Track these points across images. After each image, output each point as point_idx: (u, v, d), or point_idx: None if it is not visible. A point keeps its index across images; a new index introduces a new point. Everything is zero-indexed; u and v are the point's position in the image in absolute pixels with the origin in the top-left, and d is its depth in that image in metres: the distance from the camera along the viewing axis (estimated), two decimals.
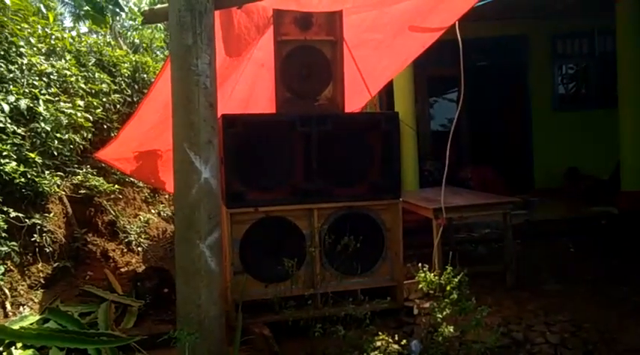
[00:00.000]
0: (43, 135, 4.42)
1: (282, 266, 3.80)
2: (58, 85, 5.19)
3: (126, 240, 5.61)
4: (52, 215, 4.61)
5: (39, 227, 4.33)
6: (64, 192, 5.00)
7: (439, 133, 12.98)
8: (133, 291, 4.32)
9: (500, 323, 3.81)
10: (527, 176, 9.55)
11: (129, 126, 4.57)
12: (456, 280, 3.42)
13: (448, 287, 3.41)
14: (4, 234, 3.93)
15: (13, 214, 3.98)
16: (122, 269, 5.24)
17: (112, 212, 5.61)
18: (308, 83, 4.06)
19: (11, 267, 4.11)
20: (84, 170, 5.36)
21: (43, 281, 4.29)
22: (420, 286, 3.56)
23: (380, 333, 3.60)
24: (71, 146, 4.97)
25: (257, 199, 3.89)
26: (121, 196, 6.05)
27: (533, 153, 9.64)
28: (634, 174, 6.63)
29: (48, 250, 4.46)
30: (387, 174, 4.14)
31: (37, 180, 4.23)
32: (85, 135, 5.22)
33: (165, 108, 4.47)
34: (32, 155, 4.20)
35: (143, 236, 5.93)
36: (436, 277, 3.52)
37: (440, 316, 3.22)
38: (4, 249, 3.93)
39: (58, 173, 4.94)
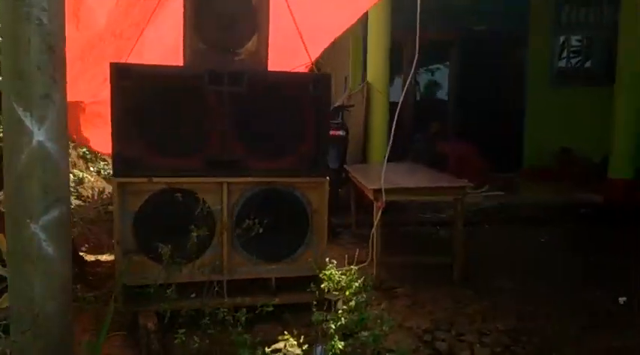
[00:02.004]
0: None
1: (185, 248, 3.27)
2: None
3: None
4: None
5: None
6: None
7: (428, 102, 12.25)
8: None
9: (428, 329, 3.27)
10: (516, 154, 8.90)
11: None
12: (357, 283, 2.83)
13: (347, 292, 2.84)
14: None
15: None
16: None
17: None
18: (227, 33, 3.39)
19: None
20: None
21: None
22: (323, 286, 2.97)
23: (286, 332, 3.09)
24: None
25: (153, 168, 3.31)
26: None
27: (524, 130, 8.96)
28: (622, 160, 5.98)
29: None
30: (313, 146, 3.53)
31: None
32: None
33: (86, 46, 3.89)
34: None
35: (73, 195, 5.40)
36: (342, 276, 2.94)
37: (332, 327, 2.66)
38: None
39: None
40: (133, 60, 3.83)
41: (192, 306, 3.32)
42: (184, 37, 3.31)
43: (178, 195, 3.36)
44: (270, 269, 3.59)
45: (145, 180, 3.25)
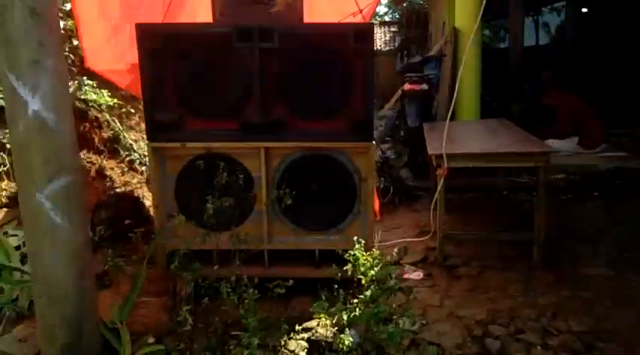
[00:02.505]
0: None
1: (226, 214, 3.15)
2: None
3: (128, 159, 5.26)
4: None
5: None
6: None
7: (537, 50, 10.83)
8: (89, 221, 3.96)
9: (482, 320, 2.83)
10: None
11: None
12: (375, 269, 2.45)
13: (364, 280, 2.47)
14: None
15: None
16: (118, 190, 4.94)
17: (114, 128, 5.26)
18: None
19: None
20: (75, 83, 4.97)
21: (6, 200, 4.09)
22: (346, 268, 2.62)
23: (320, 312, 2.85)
24: None
25: (187, 132, 3.16)
26: (133, 111, 5.68)
27: None
28: None
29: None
30: (359, 107, 3.13)
31: None
32: None
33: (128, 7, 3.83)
34: None
35: None
36: (370, 258, 2.57)
37: (344, 318, 2.34)
38: None
39: None
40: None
41: (231, 274, 3.22)
42: None
43: (217, 160, 3.21)
44: (314, 239, 3.34)
45: (178, 145, 3.12)
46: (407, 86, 5.69)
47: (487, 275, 3.41)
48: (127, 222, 4.04)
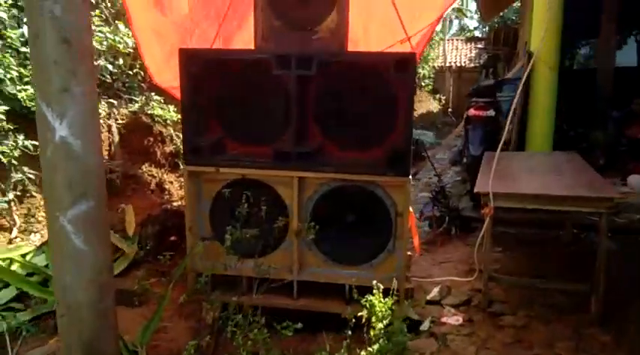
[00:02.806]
0: None
1: (258, 241, 3.12)
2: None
3: None
4: None
5: None
6: (114, 120, 4.92)
7: (635, 72, 9.94)
8: (137, 236, 4.09)
9: None
10: None
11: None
12: (385, 322, 2.26)
13: (372, 332, 2.28)
14: (14, 162, 3.96)
15: (23, 142, 3.95)
16: (168, 206, 5.09)
17: (177, 142, 5.44)
18: (303, 8, 3.01)
19: (33, 192, 4.21)
20: (143, 98, 5.20)
21: None
22: (360, 314, 2.45)
23: None
24: (111, 71, 4.77)
25: (222, 157, 3.17)
26: None
27: None
28: None
29: None
30: (395, 141, 2.98)
31: None
32: (124, 61, 4.96)
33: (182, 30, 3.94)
34: None
35: None
36: (387, 305, 2.39)
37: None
38: (17, 176, 3.99)
39: (109, 100, 4.85)
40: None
41: (258, 303, 3.17)
42: (255, 13, 3.03)
43: (252, 186, 3.19)
44: (345, 273, 3.21)
45: (212, 169, 3.13)
46: (471, 111, 5.40)
47: (534, 328, 3.10)
48: (172, 238, 4.14)
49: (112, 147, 4.85)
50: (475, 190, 3.19)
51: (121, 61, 4.84)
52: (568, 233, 4.50)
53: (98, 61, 4.46)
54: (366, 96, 3.02)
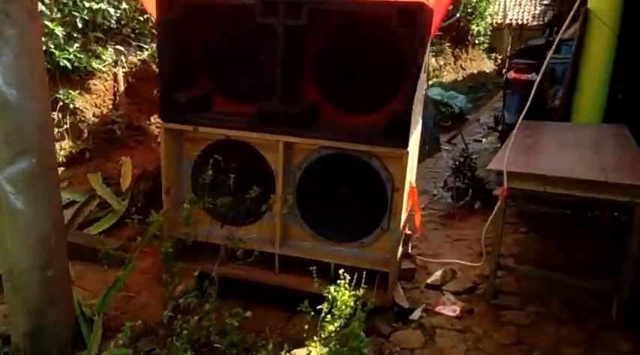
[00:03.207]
0: (70, 3, 4.01)
1: (242, 207, 2.86)
2: None
3: None
4: (91, 92, 4.37)
5: (62, 103, 4.12)
6: (121, 68, 4.69)
7: None
8: (129, 191, 3.91)
9: None
10: None
11: None
12: (347, 294, 1.92)
13: (322, 334, 1.96)
14: None
15: None
16: None
17: None
18: None
19: None
20: (154, 45, 4.92)
21: (64, 160, 4.19)
22: (321, 307, 2.13)
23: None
24: (118, 16, 4.49)
25: (202, 115, 2.86)
26: None
27: None
28: None
29: (81, 128, 4.30)
30: (392, 107, 2.58)
31: (57, 53, 3.92)
32: (129, 5, 4.64)
33: None
34: (51, 25, 3.86)
35: None
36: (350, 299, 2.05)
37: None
38: None
39: (116, 47, 4.60)
40: None
41: (234, 274, 2.94)
42: None
43: (237, 149, 2.89)
44: (333, 251, 2.90)
45: (190, 128, 2.83)
46: (511, 74, 4.81)
47: (541, 328, 2.71)
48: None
49: (117, 97, 4.64)
50: (488, 167, 2.76)
51: (125, 6, 4.54)
52: (606, 215, 3.97)
53: (100, 4, 4.19)
54: (367, 52, 2.62)
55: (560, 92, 4.85)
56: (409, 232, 3.16)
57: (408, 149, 2.55)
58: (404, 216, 2.82)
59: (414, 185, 3.01)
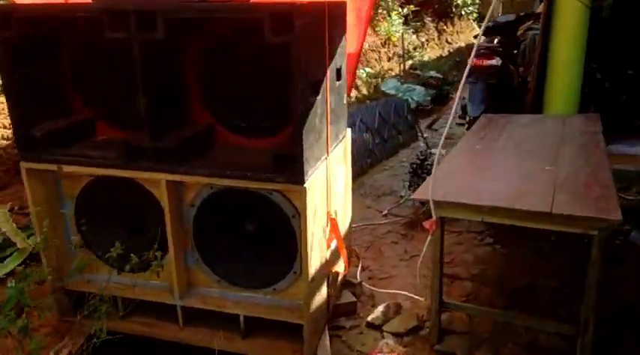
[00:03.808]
0: None
1: (136, 251, 2.43)
2: None
3: None
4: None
5: None
6: None
7: None
8: None
9: None
10: None
11: None
12: None
13: None
14: None
15: None
16: None
17: None
18: None
19: None
20: None
21: None
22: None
23: None
24: None
25: (65, 151, 2.39)
26: None
27: None
28: None
29: None
30: (281, 137, 2.11)
31: None
32: None
33: None
34: None
35: None
36: None
37: None
38: None
39: None
40: None
41: (132, 330, 2.52)
42: None
43: (121, 186, 2.42)
44: (243, 298, 2.45)
45: (54, 167, 2.36)
46: (472, 60, 4.27)
47: None
48: None
49: None
50: (412, 196, 2.27)
51: None
52: None
53: None
54: (252, 65, 2.14)
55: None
56: (339, 270, 2.69)
57: (305, 185, 2.07)
58: (321, 255, 2.36)
59: (335, 216, 2.53)
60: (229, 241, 2.43)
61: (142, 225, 2.50)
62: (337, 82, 2.49)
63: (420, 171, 3.94)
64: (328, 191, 2.42)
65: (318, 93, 2.14)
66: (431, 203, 2.17)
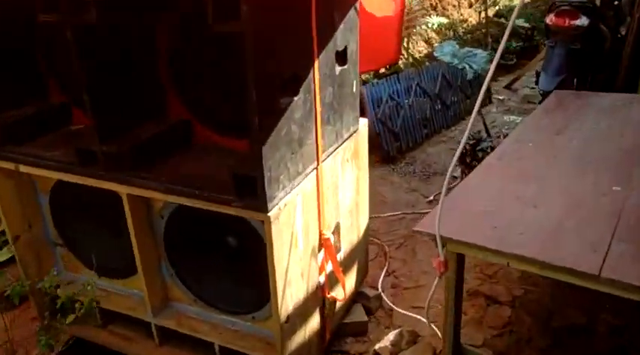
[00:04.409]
0: None
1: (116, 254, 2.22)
2: None
3: None
4: None
5: None
6: None
7: None
8: None
9: None
10: None
11: None
12: None
13: None
14: None
15: None
16: None
17: None
18: None
19: None
20: None
21: None
22: None
23: None
24: None
25: (22, 150, 2.10)
26: None
27: None
28: None
29: None
30: (239, 155, 1.67)
31: None
32: None
33: None
34: None
35: None
36: None
37: None
38: None
39: None
40: None
41: (110, 344, 2.30)
42: None
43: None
44: (221, 322, 2.12)
45: (12, 166, 2.09)
46: (551, 18, 3.45)
47: None
48: None
49: None
50: (415, 228, 1.76)
51: None
52: None
53: None
54: (225, 51, 1.69)
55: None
56: (335, 296, 2.24)
57: (270, 214, 1.63)
58: (308, 285, 1.95)
59: (333, 232, 2.09)
60: (205, 259, 2.08)
61: (117, 226, 2.21)
62: (339, 68, 1.97)
63: (468, 160, 3.30)
64: (321, 206, 1.96)
65: (295, 92, 1.66)
66: (437, 239, 1.65)
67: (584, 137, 2.33)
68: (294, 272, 1.84)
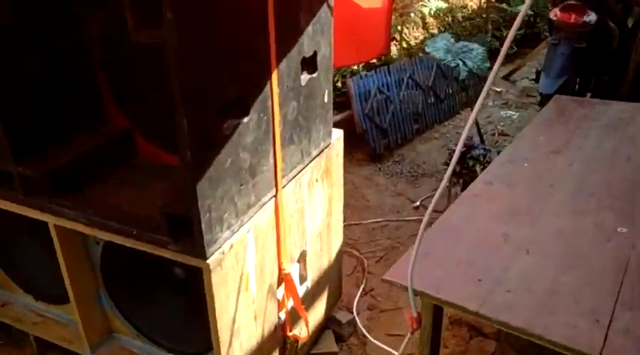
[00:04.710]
0: None
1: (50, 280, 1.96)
2: None
3: None
4: None
5: None
6: None
7: None
8: None
9: None
10: None
11: None
12: None
13: None
14: None
15: None
16: None
17: None
18: None
19: None
20: None
21: None
22: None
23: None
24: None
25: None
26: None
27: None
28: None
29: None
30: (172, 194, 1.38)
31: None
32: None
33: None
34: None
35: None
36: None
37: None
38: None
39: None
40: None
41: None
42: None
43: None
44: None
45: None
46: (556, 13, 3.14)
47: None
48: None
49: None
50: (384, 276, 1.49)
51: None
52: None
53: None
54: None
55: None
56: (297, 335, 1.98)
57: (209, 261, 1.36)
58: (263, 327, 1.69)
59: (294, 265, 1.82)
60: (147, 290, 1.82)
61: (50, 248, 1.94)
62: (306, 77, 1.68)
63: (457, 168, 3.00)
64: (282, 238, 1.69)
65: (244, 113, 1.37)
66: (410, 293, 1.39)
67: (586, 158, 2.05)
68: (245, 319, 1.58)
